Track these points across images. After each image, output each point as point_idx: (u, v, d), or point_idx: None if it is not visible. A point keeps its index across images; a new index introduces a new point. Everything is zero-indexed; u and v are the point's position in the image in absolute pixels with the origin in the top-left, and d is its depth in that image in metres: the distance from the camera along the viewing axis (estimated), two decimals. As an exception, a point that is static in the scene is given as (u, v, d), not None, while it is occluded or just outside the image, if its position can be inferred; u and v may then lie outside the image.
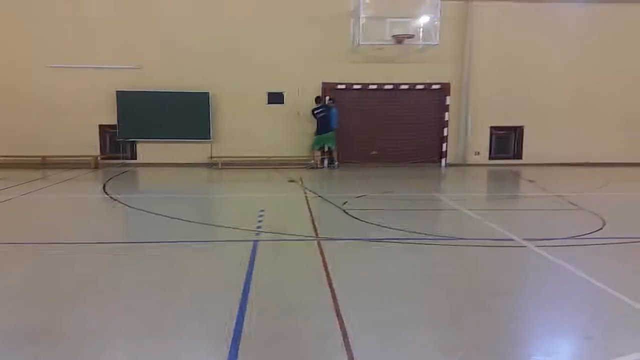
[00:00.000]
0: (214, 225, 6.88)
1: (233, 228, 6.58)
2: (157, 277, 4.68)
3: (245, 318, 3.74)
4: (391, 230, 6.54)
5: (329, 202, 8.50)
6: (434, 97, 13.99)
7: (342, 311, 3.85)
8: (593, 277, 4.69)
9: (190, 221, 6.93)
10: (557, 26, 13.60)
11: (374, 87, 13.76)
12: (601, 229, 6.67)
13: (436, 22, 12.66)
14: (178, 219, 7.08)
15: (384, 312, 3.90)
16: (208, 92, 13.35)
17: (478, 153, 14.19)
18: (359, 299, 4.16)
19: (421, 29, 13.01)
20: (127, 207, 8.20)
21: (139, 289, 4.37)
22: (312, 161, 13.25)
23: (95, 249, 5.69)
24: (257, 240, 5.86)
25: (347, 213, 7.56)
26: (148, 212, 7.60)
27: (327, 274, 4.71)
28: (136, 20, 13.20)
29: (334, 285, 4.41)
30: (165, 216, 7.25)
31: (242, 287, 4.34)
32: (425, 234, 6.37)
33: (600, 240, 6.10)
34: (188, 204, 8.56)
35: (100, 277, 4.68)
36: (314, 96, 13.34)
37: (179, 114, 13.32)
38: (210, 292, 4.30)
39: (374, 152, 14.04)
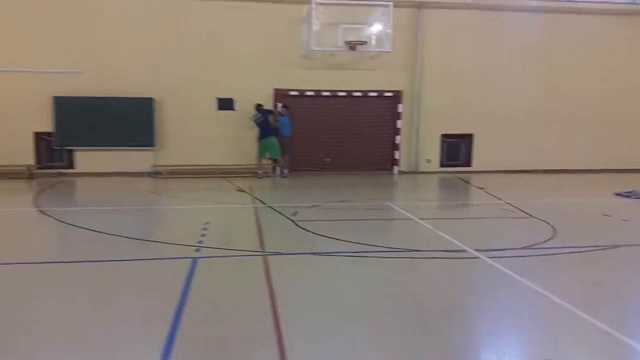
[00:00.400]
0: (151, 241, 6.34)
1: (172, 244, 6.07)
2: (78, 304, 4.15)
3: (174, 350, 3.31)
4: (342, 242, 6.23)
5: (279, 212, 8.11)
6: (387, 105, 13.88)
7: (285, 340, 3.48)
8: (548, 290, 4.53)
9: (124, 237, 6.36)
10: (508, 34, 13.78)
11: (327, 94, 13.51)
12: (552, 237, 6.61)
13: (388, 30, 12.56)
14: (112, 234, 6.50)
15: (331, 338, 3.56)
16: (152, 98, 12.68)
17: (429, 160, 14.18)
18: (305, 324, 3.80)
19: (374, 36, 12.89)
20: (58, 221, 7.52)
21: (57, 320, 3.84)
22: (261, 170, 12.77)
23: (16, 271, 5.08)
24: (196, 258, 5.40)
25: (297, 224, 7.20)
26: (80, 227, 6.96)
27: (272, 295, 4.32)
28: (76, 22, 12.38)
29: (279, 309, 4.03)
30: (98, 232, 6.64)
31: (173, 313, 3.89)
32: (377, 246, 6.09)
33: (553, 250, 6.01)
34: (126, 218, 7.94)
35: (16, 305, 4.10)
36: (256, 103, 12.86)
37: (121, 121, 12.57)
38: (137, 320, 3.83)
39: (327, 159, 13.77)
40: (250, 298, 4.32)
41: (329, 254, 5.77)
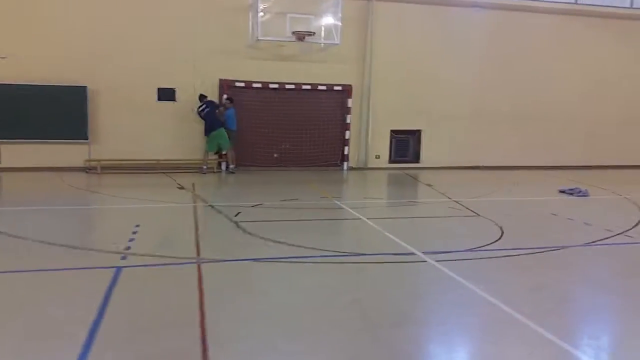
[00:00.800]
0: (71, 246, 5.66)
1: (95, 250, 5.49)
2: (-28, 328, 3.57)
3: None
4: (287, 246, 5.86)
5: (221, 212, 7.62)
6: (337, 99, 13.58)
7: (212, 365, 3.08)
8: (496, 296, 4.35)
9: (43, 242, 5.70)
10: (460, 31, 13.75)
11: (275, 86, 13.04)
12: (500, 238, 6.51)
13: (337, 21, 12.24)
14: (29, 239, 5.82)
15: (266, 358, 3.19)
16: (86, 87, 11.77)
17: (379, 156, 14.01)
18: (237, 343, 3.41)
19: (323, 27, 12.53)
20: (-33, 223, 6.72)
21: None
22: (205, 166, 12.16)
23: None
24: (121, 267, 4.86)
25: (239, 226, 6.75)
26: (-8, 230, 6.23)
27: (203, 310, 3.89)
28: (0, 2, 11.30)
29: (208, 326, 3.61)
30: (11, 235, 5.94)
31: (86, 333, 3.40)
32: (323, 249, 5.76)
33: (501, 252, 5.89)
34: (49, 219, 7.18)
35: None
36: (199, 94, 12.23)
37: (52, 111, 11.59)
38: (45, 340, 3.32)
39: (275, 155, 13.33)
40: (178, 314, 3.87)
41: (271, 259, 5.39)
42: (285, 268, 5.18)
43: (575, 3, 14.25)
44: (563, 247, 6.13)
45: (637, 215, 8.07)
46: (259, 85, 12.95)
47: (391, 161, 14.13)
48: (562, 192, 10.12)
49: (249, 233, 6.41)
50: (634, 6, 14.60)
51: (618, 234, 6.79)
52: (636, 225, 7.40)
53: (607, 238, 6.59)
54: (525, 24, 14.11)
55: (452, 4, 13.64)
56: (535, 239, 6.51)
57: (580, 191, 9.91)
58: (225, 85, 12.66)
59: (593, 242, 6.43)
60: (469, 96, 14.14)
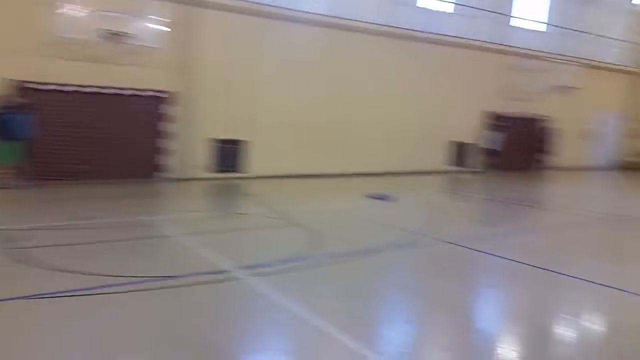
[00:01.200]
0: None
1: None
2: None
3: None
4: (80, 275, 5.06)
5: None
6: (156, 106, 12.63)
7: None
8: (314, 313, 4.37)
9: None
10: (285, 44, 13.85)
11: (84, 90, 11.57)
12: (316, 246, 6.60)
13: (158, 25, 11.37)
14: None
15: None
16: None
17: (201, 167, 13.39)
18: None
19: (140, 29, 11.48)
20: None
21: None
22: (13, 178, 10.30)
23: None
24: None
25: (20, 254, 5.65)
26: None
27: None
28: None
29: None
30: None
31: None
32: (125, 276, 5.11)
33: (316, 261, 5.94)
34: None
35: None
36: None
37: None
38: None
39: (83, 167, 11.79)
40: None
41: (57, 295, 4.55)
42: (75, 304, 4.42)
43: (379, 24, 15.38)
44: (373, 251, 6.46)
45: (441, 217, 8.95)
46: (65, 88, 11.39)
47: (216, 171, 13.63)
48: (371, 197, 10.76)
49: (31, 262, 5.40)
50: (427, 31, 16.43)
51: (424, 236, 7.44)
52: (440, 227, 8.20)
53: (414, 241, 7.15)
54: (345, 42, 14.96)
55: (280, 18, 13.72)
56: (350, 245, 6.76)
57: (387, 196, 10.69)
58: (17, 87, 10.84)
59: (400, 244, 6.91)
60: (295, 107, 14.37)
